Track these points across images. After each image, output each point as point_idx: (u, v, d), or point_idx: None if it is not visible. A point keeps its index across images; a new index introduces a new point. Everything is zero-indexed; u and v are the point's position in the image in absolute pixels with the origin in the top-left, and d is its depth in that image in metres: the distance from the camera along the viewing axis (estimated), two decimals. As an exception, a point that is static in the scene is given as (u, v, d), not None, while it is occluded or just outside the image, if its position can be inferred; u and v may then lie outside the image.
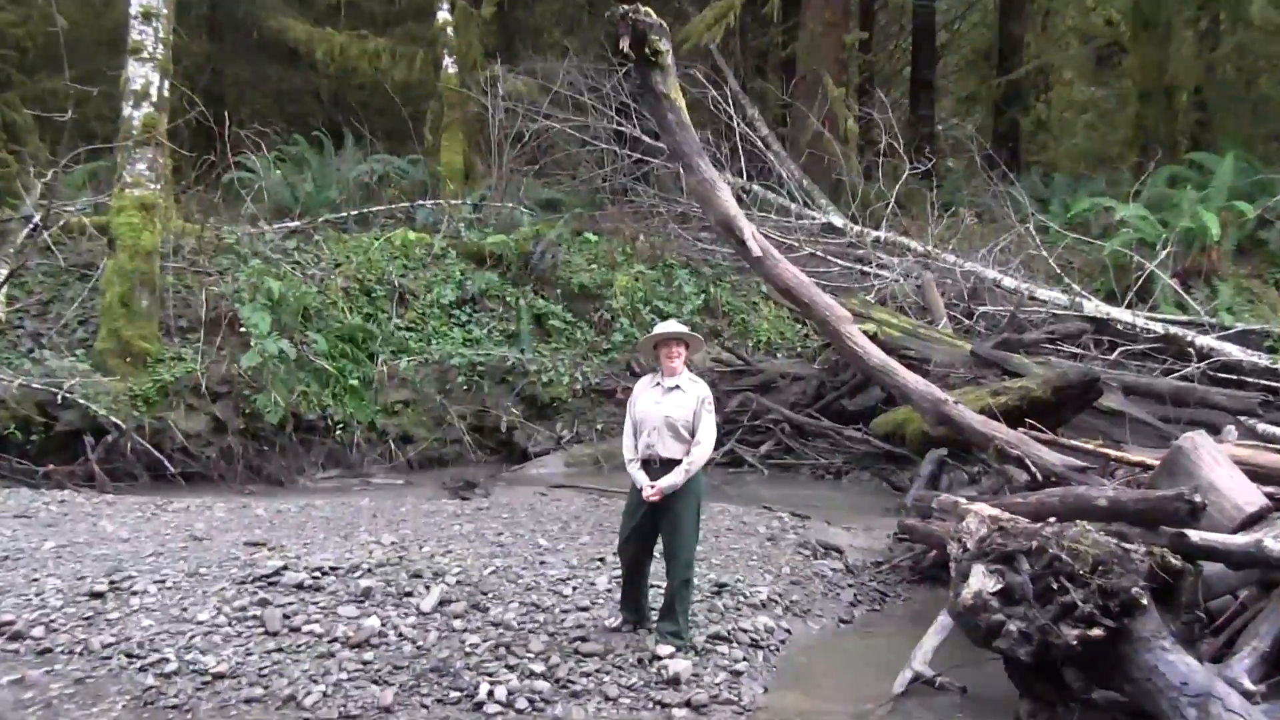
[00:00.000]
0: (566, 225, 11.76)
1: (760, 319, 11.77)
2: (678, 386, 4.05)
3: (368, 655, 4.00)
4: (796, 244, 12.53)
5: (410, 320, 9.87)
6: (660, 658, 4.01)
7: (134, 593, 4.38)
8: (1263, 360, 8.44)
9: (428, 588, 4.58)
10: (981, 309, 11.17)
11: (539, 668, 3.95)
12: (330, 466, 8.56)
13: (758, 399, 9.53)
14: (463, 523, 6.14)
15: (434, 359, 9.49)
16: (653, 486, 3.98)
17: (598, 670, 3.93)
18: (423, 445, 9.04)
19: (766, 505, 6.89)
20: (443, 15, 12.77)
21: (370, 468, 8.68)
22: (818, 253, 12.66)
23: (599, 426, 9.69)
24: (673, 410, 3.99)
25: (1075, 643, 3.33)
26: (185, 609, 4.26)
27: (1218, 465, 4.31)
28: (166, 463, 7.56)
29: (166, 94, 8.32)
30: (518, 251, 10.99)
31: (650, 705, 3.74)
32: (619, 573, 4.43)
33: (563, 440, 9.50)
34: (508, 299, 10.52)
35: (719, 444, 9.11)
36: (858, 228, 13.01)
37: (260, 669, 3.86)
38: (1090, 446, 5.65)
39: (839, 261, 12.67)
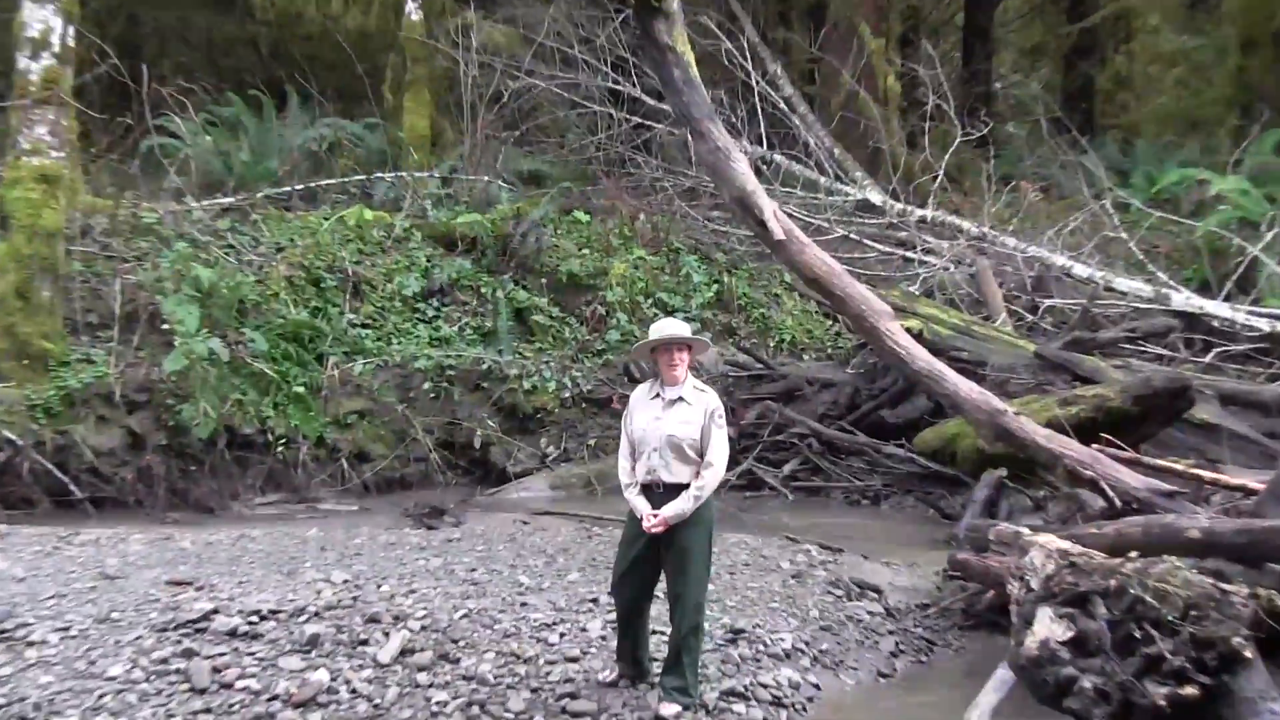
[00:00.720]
0: (553, 202, 11.85)
1: (783, 314, 11.81)
2: (681, 398, 4.06)
3: (314, 716, 3.97)
4: (826, 225, 12.61)
5: (367, 315, 9.94)
6: (664, 718, 3.99)
7: (30, 643, 4.31)
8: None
9: (386, 635, 4.62)
10: (1048, 302, 11.22)
11: (519, 731, 3.96)
12: (270, 490, 8.62)
13: (780, 409, 9.57)
14: (429, 557, 6.18)
15: (395, 361, 9.57)
16: (655, 515, 3.98)
17: (589, 734, 3.90)
18: (381, 464, 9.12)
19: (791, 536, 6.92)
20: (405, -50, 13.48)
21: (318, 491, 8.74)
22: (852, 235, 12.73)
23: (591, 442, 9.73)
24: (676, 427, 4.01)
25: (1163, 703, 3.29)
26: (94, 662, 4.21)
27: (1336, 490, 4.46)
28: (72, 486, 7.54)
29: (71, 43, 8.17)
30: (495, 234, 11.03)
31: (652, 776, 3.72)
32: (614, 617, 4.42)
33: (548, 458, 9.61)
34: (483, 290, 10.58)
35: (733, 463, 9.15)
36: (900, 205, 13.04)
37: (184, 734, 3.83)
38: (1180, 467, 5.70)
39: (877, 246, 12.72)
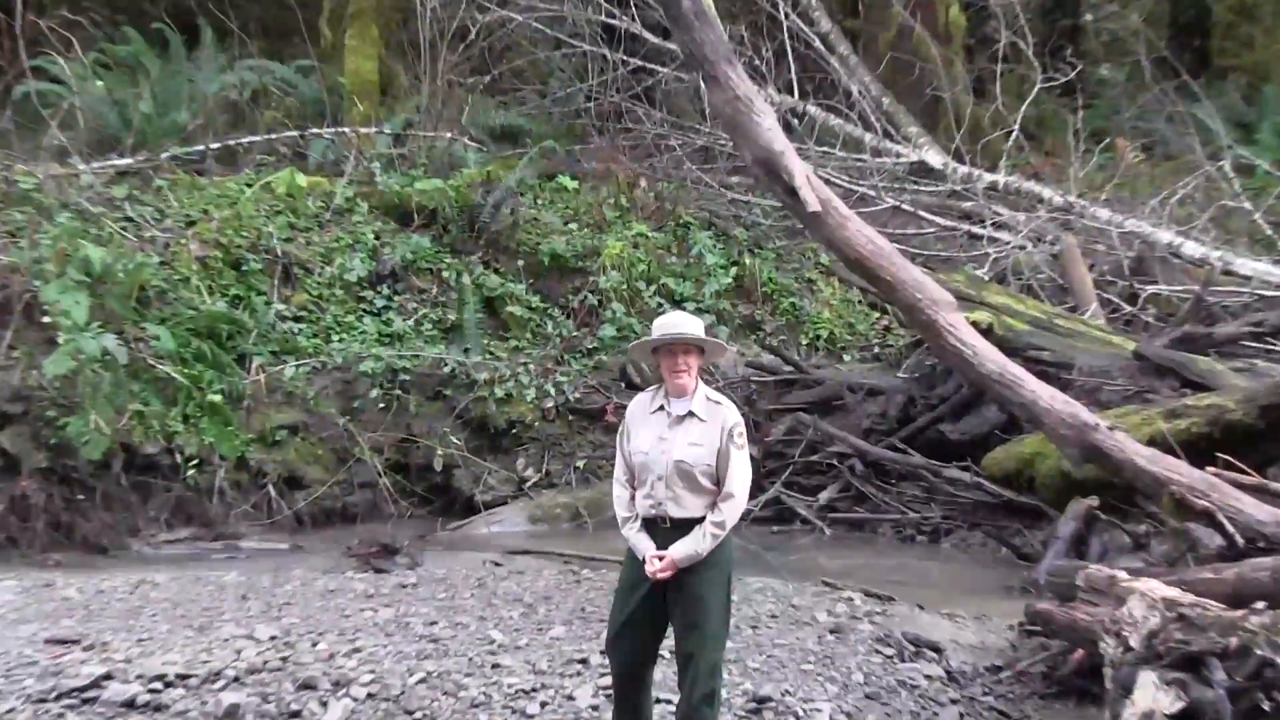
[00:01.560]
0: (532, 165, 11.82)
1: (818, 305, 11.82)
2: (692, 413, 4.09)
3: (232, 808, 4.08)
4: (873, 193, 12.62)
5: (300, 306, 9.98)
6: (671, 811, 4.06)
7: None
8: None
9: (324, 704, 4.62)
10: (1150, 289, 11.24)
11: (491, 826, 4.08)
12: (178, 524, 8.64)
13: (815, 423, 9.60)
14: (377, 607, 6.22)
15: (335, 363, 9.63)
16: (661, 556, 4.01)
17: (578, 830, 4.06)
18: (318, 492, 9.17)
19: (829, 581, 6.98)
20: None
21: (239, 526, 8.78)
22: (905, 206, 12.74)
23: (580, 464, 9.78)
24: (686, 450, 4.05)
25: (1294, 791, 3.38)
26: (-48, 742, 4.29)
27: None
28: (-72, 520, 7.71)
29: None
30: (459, 204, 11.06)
31: None
32: (608, 682, 4.44)
33: (526, 484, 9.69)
34: (445, 275, 10.64)
35: (756, 490, 9.24)
36: (964, 169, 13.04)
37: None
38: (1318, 495, 5.77)
39: (936, 219, 12.77)
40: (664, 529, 4.06)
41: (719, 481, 4.05)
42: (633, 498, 4.14)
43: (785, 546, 8.52)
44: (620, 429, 4.22)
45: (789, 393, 10.38)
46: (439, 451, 9.49)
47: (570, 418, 10.01)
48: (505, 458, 9.81)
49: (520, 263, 10.95)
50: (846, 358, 11.33)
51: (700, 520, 4.02)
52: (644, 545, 4.07)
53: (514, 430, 9.85)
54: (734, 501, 4.05)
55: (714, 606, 4.06)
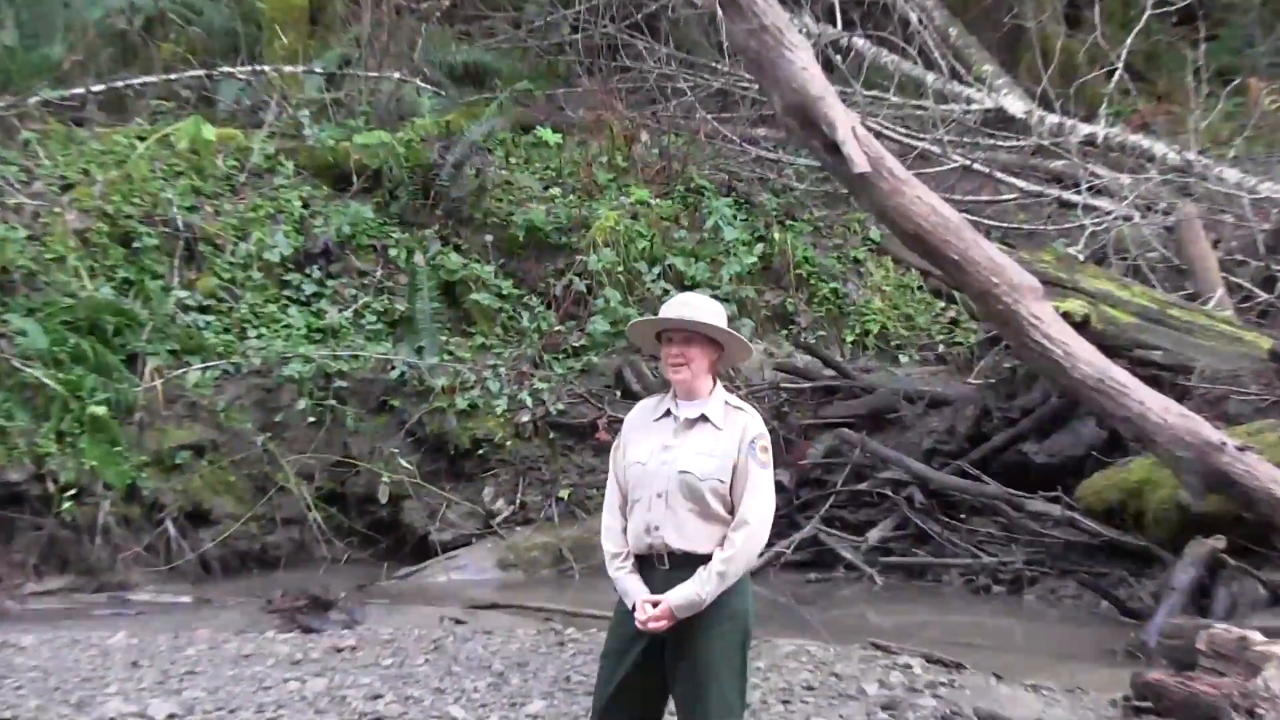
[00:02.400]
0: (503, 114, 11.74)
1: (867, 292, 11.82)
2: (705, 418, 4.13)
3: None
4: (937, 150, 12.63)
5: (208, 293, 9.93)
6: None
7: None
8: None
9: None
10: (1293, 270, 11.40)
11: None
12: (51, 571, 8.57)
13: (863, 442, 9.60)
14: (306, 676, 6.19)
15: (252, 366, 9.58)
16: (655, 603, 4.01)
17: None
18: (229, 530, 9.10)
19: (881, 643, 6.94)
20: None
21: (130, 573, 8.71)
22: (977, 166, 12.78)
23: (563, 494, 9.76)
24: (695, 461, 4.07)
25: None
26: None
27: None
28: None
29: None
30: (410, 164, 11.02)
31: None
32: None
33: (495, 520, 9.68)
34: (392, 253, 10.63)
35: (786, 525, 9.20)
36: (1053, 118, 13.06)
37: None
38: None
39: (1017, 182, 12.78)
40: (662, 569, 4.05)
41: (732, 508, 4.05)
42: (625, 529, 4.16)
43: (825, 599, 8.48)
44: (615, 443, 4.26)
45: (830, 403, 10.37)
46: (384, 478, 9.47)
47: (551, 435, 10.00)
48: (469, 486, 9.80)
49: (488, 238, 10.91)
50: (903, 359, 11.31)
51: (708, 558, 4.01)
52: (634, 588, 4.05)
53: (480, 451, 9.84)
54: (750, 532, 4.02)
55: (724, 671, 4.05)
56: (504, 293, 10.69)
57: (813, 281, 11.67)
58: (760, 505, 4.04)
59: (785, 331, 11.35)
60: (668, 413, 4.16)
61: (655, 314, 4.36)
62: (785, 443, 9.69)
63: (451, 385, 9.86)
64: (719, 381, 4.18)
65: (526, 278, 10.86)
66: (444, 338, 10.30)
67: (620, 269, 10.94)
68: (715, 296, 10.22)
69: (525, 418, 9.97)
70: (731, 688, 4.05)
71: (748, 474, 4.03)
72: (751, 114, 13.06)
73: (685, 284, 10.95)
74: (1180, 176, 12.51)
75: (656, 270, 11.08)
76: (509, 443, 9.88)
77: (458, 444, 9.84)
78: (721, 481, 4.01)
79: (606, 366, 10.41)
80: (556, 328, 10.65)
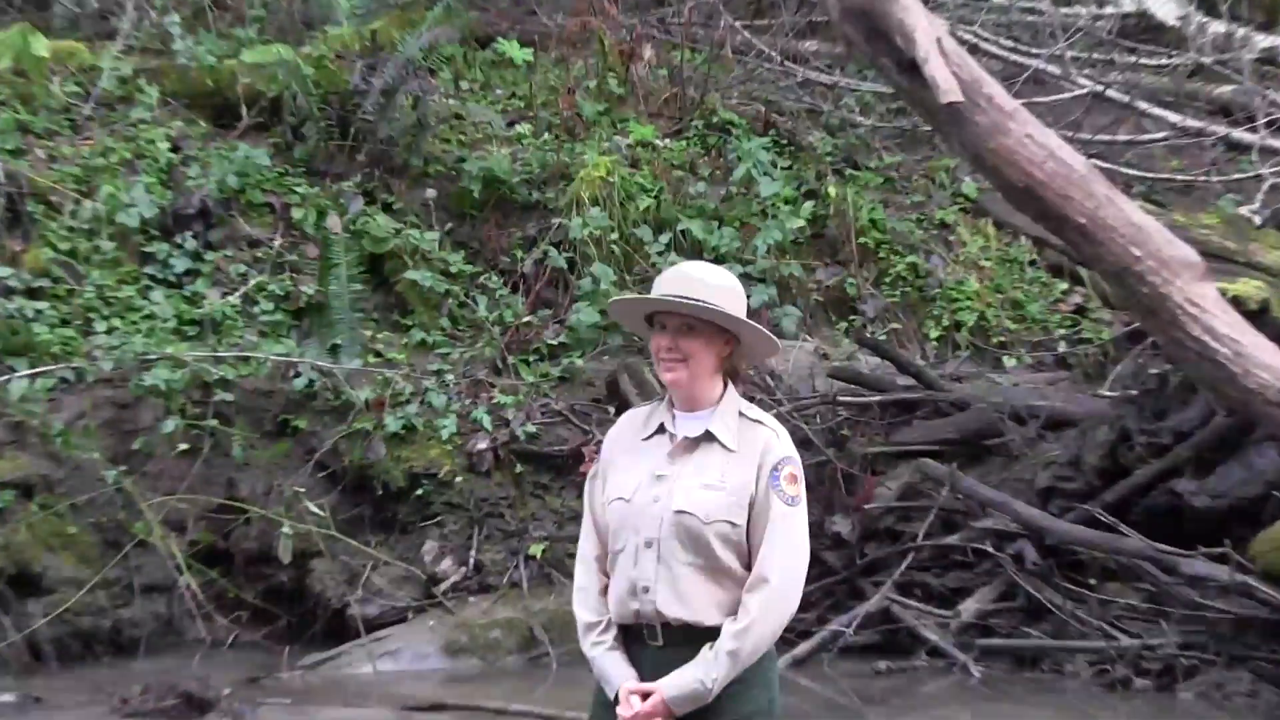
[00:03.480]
0: (451, 20, 11.83)
1: (958, 268, 11.95)
2: (709, 435, 4.19)
3: None
4: (1057, 70, 12.75)
5: (38, 271, 9.95)
6: None
7: None
8: None
9: None
10: None
11: None
12: None
13: (954, 477, 9.57)
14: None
15: (101, 373, 9.57)
16: (644, 694, 4.04)
17: None
18: (69, 600, 9.07)
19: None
20: None
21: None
22: (1112, 93, 12.90)
23: (534, 550, 9.74)
24: (696, 496, 4.12)
25: None
26: None
27: None
28: None
29: None
30: (323, 92, 11.09)
31: None
32: None
33: (440, 586, 9.68)
34: (296, 216, 10.75)
35: (847, 594, 9.38)
36: (1219, 26, 13.24)
37: None
38: None
39: (1168, 115, 12.88)
40: (652, 647, 4.08)
41: (747, 561, 4.10)
42: (604, 590, 4.21)
43: (901, 697, 8.50)
44: (592, 471, 4.33)
45: (907, 424, 10.46)
46: (285, 529, 9.42)
47: (519, 469, 10.02)
48: (403, 540, 9.89)
49: (430, 194, 11.00)
50: (1009, 361, 11.40)
51: (715, 632, 4.04)
52: (616, 672, 4.07)
53: (419, 491, 9.87)
54: (773, 595, 4.05)
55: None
56: (452, 270, 10.74)
57: (883, 254, 11.68)
58: (788, 557, 4.06)
59: (845, 324, 11.40)
60: (661, 429, 4.19)
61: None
62: (845, 479, 9.71)
63: (379, 399, 9.91)
64: (731, 385, 4.20)
65: (484, 249, 10.88)
66: (368, 332, 10.33)
67: (614, 237, 10.97)
68: (747, 276, 10.82)
69: (482, 445, 9.97)
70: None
71: (769, 513, 4.05)
72: (797, 21, 13.18)
73: (704, 257, 10.69)
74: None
75: (665, 239, 11.07)
76: (459, 479, 9.88)
77: (388, 481, 9.87)
78: (734, 525, 4.03)
79: (595, 373, 10.40)
80: (526, 318, 10.68)
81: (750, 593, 4.00)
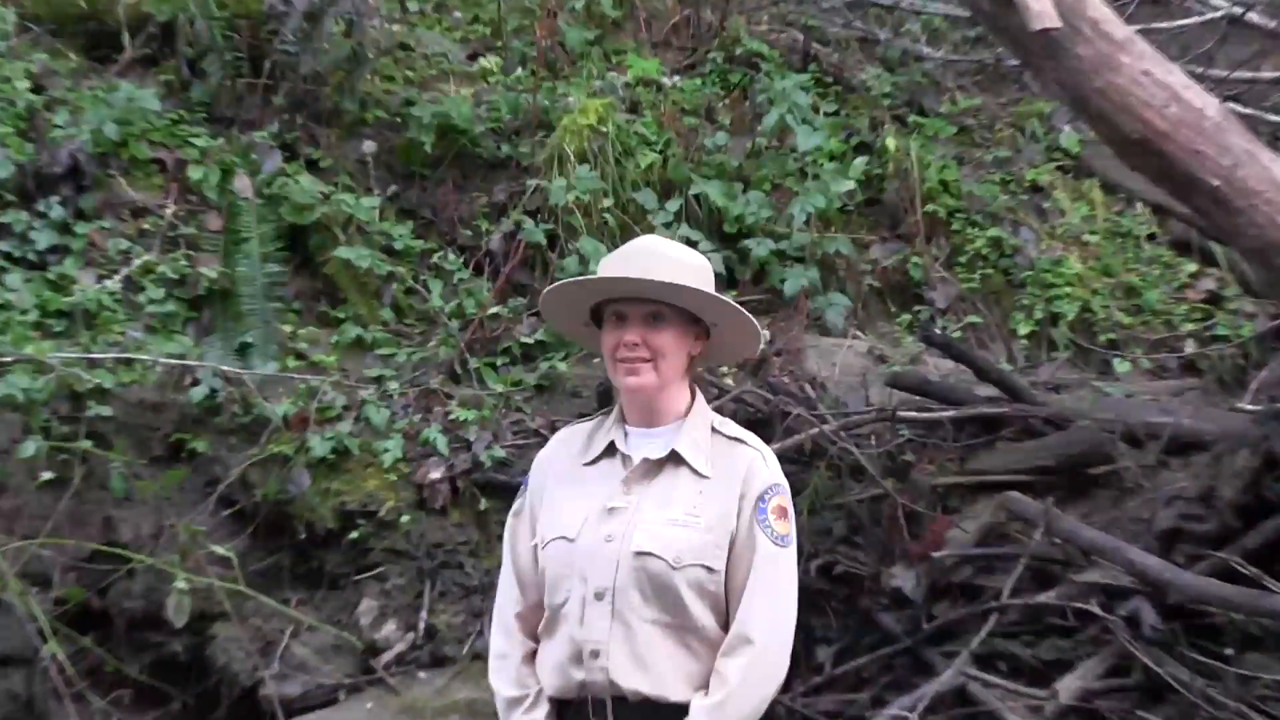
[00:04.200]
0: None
1: (1055, 245, 11.97)
2: (675, 457, 4.36)
3: None
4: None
5: None
6: None
7: None
8: None
9: None
10: None
11: None
12: None
13: (1049, 516, 9.29)
14: None
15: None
16: None
17: None
18: None
19: None
20: None
21: None
22: (1256, 15, 12.93)
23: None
24: (661, 533, 4.27)
25: None
26: None
27: None
28: None
29: None
30: (228, 17, 11.07)
31: None
32: None
33: (383, 656, 9.66)
34: (194, 175, 10.69)
35: (911, 667, 9.29)
36: None
37: None
38: None
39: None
40: None
41: (725, 619, 4.26)
42: (532, 655, 4.43)
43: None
44: (516, 505, 4.60)
45: (987, 447, 10.24)
46: (179, 583, 9.25)
47: (483, 505, 9.88)
48: (334, 597, 9.88)
49: (368, 148, 11.01)
50: (1121, 366, 11.41)
51: (683, 711, 4.17)
52: None
53: (353, 535, 9.81)
54: (755, 660, 4.16)
55: None
56: (397, 246, 10.82)
57: (956, 226, 11.72)
58: (775, 611, 4.23)
59: (907, 317, 11.45)
60: (610, 449, 4.37)
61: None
62: (907, 519, 9.56)
63: (301, 414, 9.86)
64: (700, 394, 4.45)
65: (438, 219, 10.94)
66: (288, 328, 10.35)
67: (608, 203, 10.96)
68: (782, 254, 10.79)
69: (436, 474, 9.88)
70: None
71: (753, 556, 4.20)
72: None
73: (725, 229, 10.99)
74: None
75: (673, 206, 11.07)
76: (405, 519, 9.79)
77: (313, 521, 9.81)
78: (711, 570, 4.17)
79: (583, 380, 10.37)
80: (493, 309, 10.64)
81: (728, 657, 4.17)
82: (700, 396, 4.40)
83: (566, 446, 4.52)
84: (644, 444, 4.31)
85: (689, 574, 4.15)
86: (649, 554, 4.14)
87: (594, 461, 4.36)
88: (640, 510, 4.20)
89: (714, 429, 4.35)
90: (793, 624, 4.27)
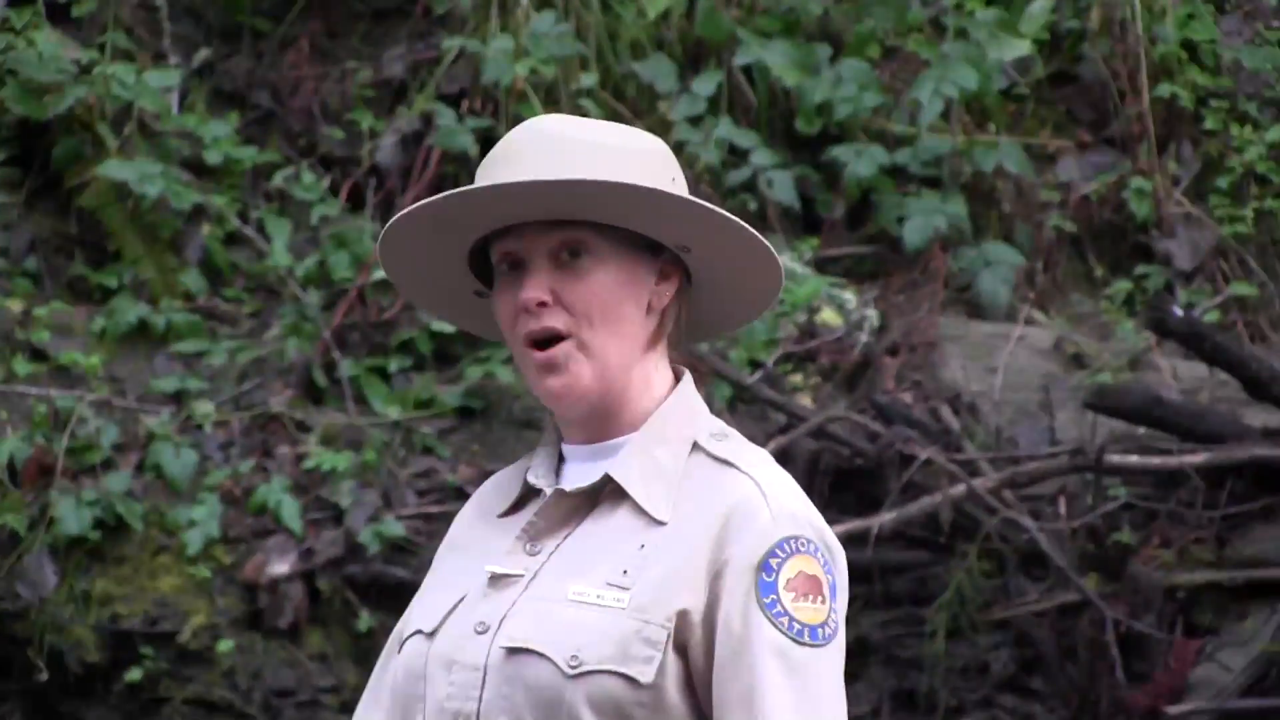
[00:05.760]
0: None
1: None
2: (609, 484, 3.21)
3: None
4: None
5: None
6: None
7: None
8: None
9: None
10: None
11: None
12: None
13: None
14: None
15: None
16: None
17: None
18: None
19: None
20: None
21: None
22: None
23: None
24: (554, 615, 3.29)
25: None
26: None
27: None
28: None
29: None
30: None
31: None
32: None
33: None
34: None
35: None
36: None
37: None
38: None
39: None
40: None
41: None
42: None
43: None
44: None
45: (1268, 518, 9.01)
46: None
47: (363, 622, 8.79)
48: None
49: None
50: None
51: None
52: None
53: (131, 675, 8.84)
54: None
55: None
56: (210, 158, 9.77)
57: (1212, 125, 10.16)
58: None
59: (1124, 284, 9.84)
60: (533, 491, 3.28)
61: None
62: (1122, 643, 8.29)
63: (40, 456, 8.90)
64: (687, 380, 3.23)
65: (285, 109, 10.01)
66: (15, 304, 9.53)
67: (589, 80, 9.98)
68: (897, 169, 11.17)
69: (281, 566, 8.82)
70: None
71: (753, 661, 3.02)
72: None
73: (798, 129, 9.71)
74: None
75: (705, 85, 9.92)
76: (223, 646, 8.73)
77: (62, 649, 8.86)
78: (635, 683, 3.05)
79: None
80: (381, 272, 9.56)
81: None
82: (687, 386, 2.99)
83: (495, 491, 3.15)
84: (581, 466, 2.97)
85: (593, 687, 2.83)
86: (526, 651, 2.86)
87: (511, 510, 3.02)
88: (539, 579, 2.92)
89: (696, 445, 2.91)
90: None
